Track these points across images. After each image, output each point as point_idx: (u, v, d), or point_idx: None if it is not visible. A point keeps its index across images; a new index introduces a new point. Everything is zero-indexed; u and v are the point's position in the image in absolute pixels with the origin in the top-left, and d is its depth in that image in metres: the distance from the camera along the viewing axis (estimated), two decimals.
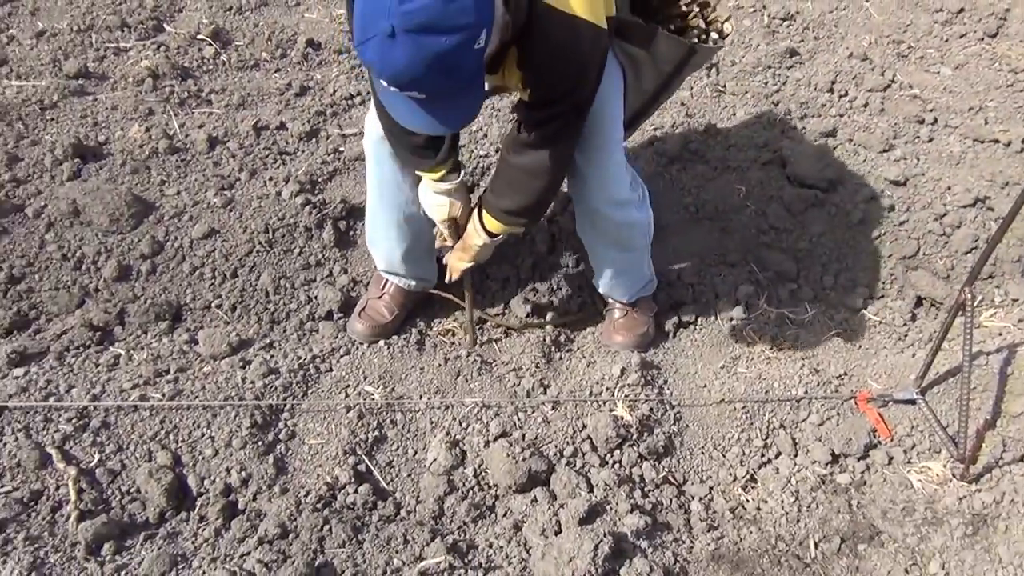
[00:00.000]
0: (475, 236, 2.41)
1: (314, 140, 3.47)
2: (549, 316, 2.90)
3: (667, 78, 2.33)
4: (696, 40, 2.29)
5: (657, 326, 2.87)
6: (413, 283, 2.80)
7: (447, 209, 2.37)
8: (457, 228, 2.45)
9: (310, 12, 4.34)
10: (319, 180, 3.23)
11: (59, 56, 3.76)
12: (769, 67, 4.08)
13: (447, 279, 2.60)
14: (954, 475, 2.38)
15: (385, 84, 1.67)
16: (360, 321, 2.76)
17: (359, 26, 1.61)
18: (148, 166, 3.19)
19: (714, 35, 2.34)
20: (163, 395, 2.39)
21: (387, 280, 2.80)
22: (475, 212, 2.39)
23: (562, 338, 2.82)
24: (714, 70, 4.04)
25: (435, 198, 2.36)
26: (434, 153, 2.24)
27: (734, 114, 3.75)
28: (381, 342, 2.72)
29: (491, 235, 2.38)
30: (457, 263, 2.51)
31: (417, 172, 2.35)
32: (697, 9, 2.33)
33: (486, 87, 2.06)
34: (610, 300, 2.83)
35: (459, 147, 2.44)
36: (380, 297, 2.79)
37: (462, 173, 2.36)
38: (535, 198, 2.28)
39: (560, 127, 2.12)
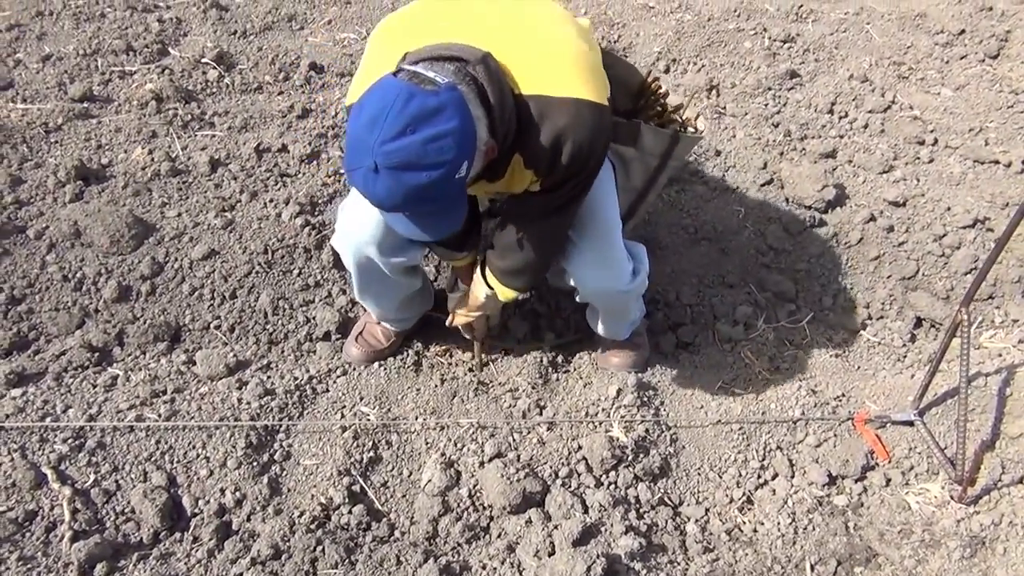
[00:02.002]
0: (479, 288, 2.43)
1: (315, 162, 3.49)
2: (546, 337, 2.90)
3: (654, 171, 2.43)
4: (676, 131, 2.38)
5: (655, 347, 2.87)
6: (408, 324, 2.81)
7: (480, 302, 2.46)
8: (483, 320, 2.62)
9: (313, 36, 4.38)
10: (319, 202, 3.25)
11: (65, 79, 3.80)
12: (769, 89, 4.09)
13: (447, 323, 2.63)
14: (952, 497, 2.36)
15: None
16: (356, 346, 2.77)
17: (348, 156, 1.68)
18: (150, 188, 3.22)
19: (690, 129, 2.44)
20: (159, 415, 2.40)
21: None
22: (479, 267, 2.42)
23: (559, 359, 2.82)
24: (714, 91, 4.06)
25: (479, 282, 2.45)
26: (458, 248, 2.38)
27: (734, 135, 3.76)
28: (377, 363, 2.73)
29: (492, 292, 2.40)
30: (460, 316, 2.56)
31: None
32: (671, 109, 2.45)
33: (493, 193, 2.20)
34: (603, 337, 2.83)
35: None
36: (378, 323, 2.79)
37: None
38: (536, 263, 2.28)
39: (568, 198, 2.12)
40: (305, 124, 3.72)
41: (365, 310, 2.86)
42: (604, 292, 2.46)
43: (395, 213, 1.75)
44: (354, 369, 2.72)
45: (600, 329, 2.72)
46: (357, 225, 2.29)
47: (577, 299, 2.58)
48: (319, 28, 4.47)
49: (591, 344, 2.88)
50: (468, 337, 2.72)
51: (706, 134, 2.36)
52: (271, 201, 3.21)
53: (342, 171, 3.42)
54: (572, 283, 2.45)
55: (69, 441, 2.30)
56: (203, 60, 4.00)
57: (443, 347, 2.85)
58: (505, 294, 2.38)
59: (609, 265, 2.37)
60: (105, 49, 4.02)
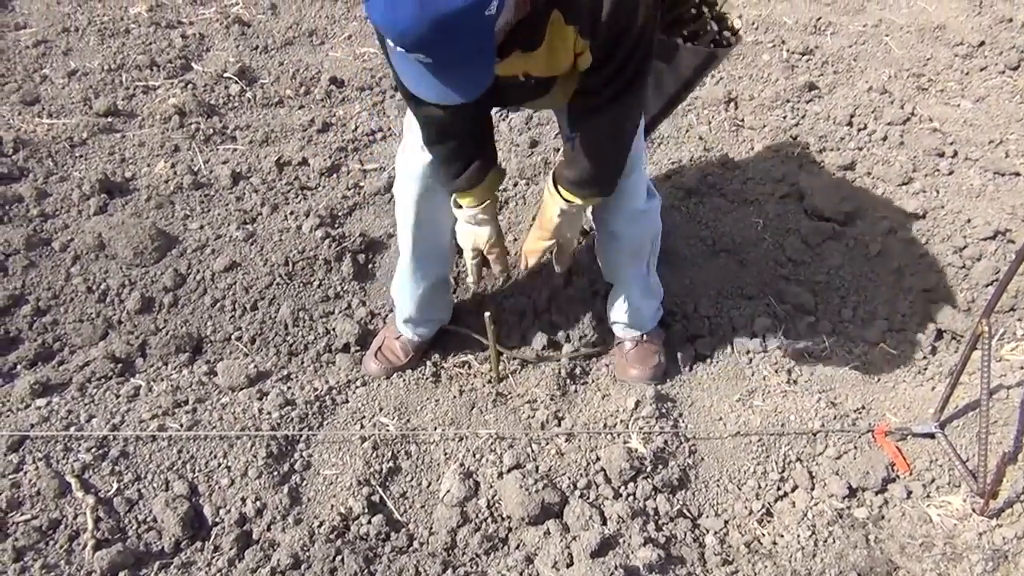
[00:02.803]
0: (551, 206, 2.31)
1: (335, 175, 3.53)
2: (565, 349, 2.91)
3: (686, 82, 2.39)
4: (712, 44, 2.29)
5: (673, 358, 2.87)
6: (426, 331, 2.82)
7: (474, 238, 2.40)
8: (482, 262, 2.49)
9: (334, 51, 4.42)
10: (339, 214, 3.28)
11: (90, 94, 3.86)
12: (788, 101, 4.10)
13: (523, 266, 2.51)
14: (974, 510, 2.34)
15: (392, 44, 1.65)
16: (375, 361, 2.78)
17: None
18: (172, 201, 3.26)
19: (727, 34, 2.33)
20: (181, 425, 2.42)
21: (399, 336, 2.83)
22: (548, 182, 2.32)
23: (577, 370, 2.82)
24: (732, 104, 4.07)
25: (465, 226, 2.40)
26: (463, 168, 2.24)
27: (752, 148, 3.76)
28: (396, 375, 2.74)
29: (567, 204, 2.27)
30: (534, 244, 2.42)
31: (453, 197, 2.36)
32: (706, 10, 2.33)
33: (535, 75, 2.04)
34: (620, 334, 2.84)
35: (497, 177, 2.38)
36: (398, 338, 2.81)
37: (496, 204, 2.40)
38: (607, 167, 2.21)
39: (628, 79, 2.01)
40: (325, 138, 3.75)
41: (384, 324, 2.88)
42: (623, 217, 2.44)
43: (415, 57, 1.64)
44: (373, 380, 2.73)
45: (616, 313, 2.74)
46: (417, 159, 2.37)
47: (598, 251, 2.63)
48: (339, 43, 4.51)
49: (609, 355, 2.89)
50: (559, 269, 2.56)
51: (743, 38, 2.29)
52: (291, 214, 3.24)
53: (362, 184, 3.45)
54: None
55: (92, 450, 2.32)
56: (225, 75, 4.06)
57: (462, 359, 2.86)
58: (585, 201, 2.28)
59: (630, 188, 2.37)
60: (129, 64, 4.08)
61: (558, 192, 2.29)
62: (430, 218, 2.50)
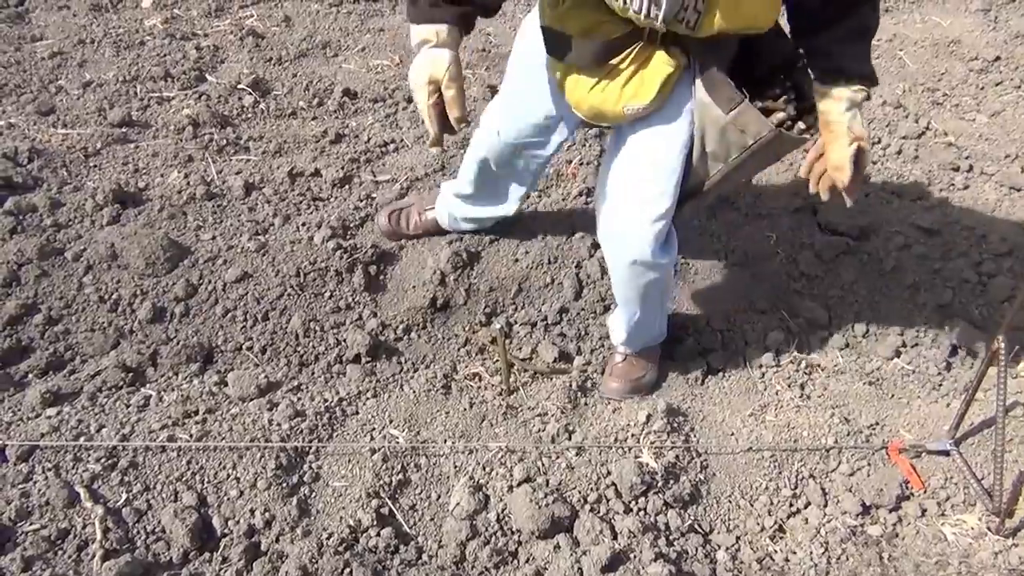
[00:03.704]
0: (835, 108, 2.02)
1: (347, 186, 3.53)
2: (576, 361, 2.90)
3: (741, 151, 2.10)
4: (779, 126, 2.06)
5: (685, 372, 2.85)
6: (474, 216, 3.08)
7: (431, 68, 1.97)
8: (439, 105, 2.02)
9: (347, 63, 4.44)
10: (351, 225, 3.28)
11: (104, 105, 3.88)
12: None
13: (850, 204, 2.17)
14: (989, 529, 2.32)
15: None
16: (390, 223, 3.21)
17: None
18: (185, 211, 3.27)
19: (800, 125, 2.12)
20: (191, 436, 2.42)
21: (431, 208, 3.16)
22: (818, 90, 2.06)
23: (588, 383, 2.80)
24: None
25: (422, 54, 1.99)
26: None
27: None
28: (407, 386, 2.73)
29: (854, 94, 2.01)
30: (839, 156, 2.06)
31: (414, 28, 2.00)
32: (793, 96, 2.13)
33: None
34: (614, 340, 2.82)
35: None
36: (421, 214, 3.15)
37: (462, 36, 2.03)
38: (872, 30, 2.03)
39: None
40: (338, 149, 3.76)
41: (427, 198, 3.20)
42: (633, 263, 2.39)
43: None
44: (384, 392, 2.73)
45: (614, 326, 2.77)
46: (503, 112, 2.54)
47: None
48: (353, 55, 4.53)
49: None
50: (851, 200, 2.15)
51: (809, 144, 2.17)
52: (303, 225, 3.24)
53: (374, 196, 3.46)
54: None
55: (102, 460, 2.32)
56: (239, 86, 4.07)
57: (472, 371, 2.85)
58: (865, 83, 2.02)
59: (647, 232, 2.28)
60: (144, 76, 4.10)
61: (836, 86, 2.02)
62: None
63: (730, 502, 2.45)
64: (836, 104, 2.02)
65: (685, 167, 2.25)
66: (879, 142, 3.88)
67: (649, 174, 2.25)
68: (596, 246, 3.16)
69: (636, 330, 2.70)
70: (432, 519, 2.33)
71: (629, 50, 2.05)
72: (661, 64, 2.06)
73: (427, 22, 1.96)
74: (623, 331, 2.72)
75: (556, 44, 2.14)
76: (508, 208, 2.96)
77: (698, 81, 2.09)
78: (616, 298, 2.67)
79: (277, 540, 2.22)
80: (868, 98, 2.05)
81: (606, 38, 2.04)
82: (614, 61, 2.07)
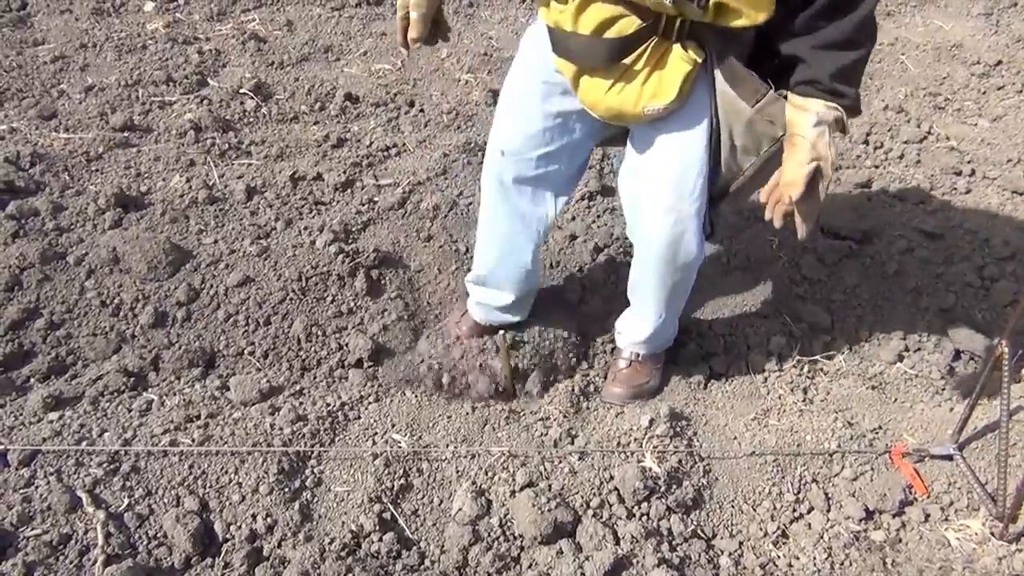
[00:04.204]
0: (801, 119, 1.93)
1: (349, 191, 3.54)
2: (580, 366, 2.89)
3: (772, 142, 2.07)
4: None
5: (686, 377, 2.85)
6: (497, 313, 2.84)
7: None
8: (406, 18, 2.16)
9: (349, 67, 4.44)
10: (353, 230, 3.28)
11: (106, 109, 3.88)
12: None
13: (802, 235, 2.10)
14: (993, 534, 2.31)
15: None
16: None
17: None
18: (187, 215, 3.27)
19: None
20: (193, 440, 2.41)
21: (466, 311, 2.90)
22: (791, 97, 1.98)
23: (591, 388, 2.80)
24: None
25: None
26: None
27: None
28: (408, 391, 2.73)
29: (824, 109, 1.93)
30: (794, 173, 1.98)
31: None
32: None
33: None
34: (620, 344, 2.81)
35: None
36: (460, 320, 2.91)
37: None
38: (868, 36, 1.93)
39: None
40: (340, 153, 3.76)
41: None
42: (667, 264, 2.36)
43: None
44: (386, 396, 2.72)
45: (629, 328, 2.72)
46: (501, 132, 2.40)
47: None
48: (355, 59, 4.53)
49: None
50: (804, 231, 2.07)
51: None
52: (305, 229, 3.24)
53: (376, 200, 3.46)
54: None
55: (104, 465, 2.32)
56: (241, 90, 4.08)
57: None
58: (842, 102, 1.93)
59: (681, 234, 2.26)
60: (146, 80, 4.11)
61: (807, 98, 1.95)
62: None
63: (733, 507, 2.44)
64: (804, 116, 1.94)
65: (713, 163, 2.21)
66: (881, 146, 3.87)
67: (676, 174, 2.21)
68: (598, 250, 3.16)
69: (659, 331, 2.68)
70: (434, 524, 2.33)
71: (644, 47, 2.01)
72: (678, 61, 2.02)
73: None
74: (645, 332, 2.68)
75: (566, 44, 2.11)
76: (527, 273, 2.71)
77: (718, 75, 2.05)
78: (638, 300, 2.65)
79: (279, 545, 2.22)
80: (843, 125, 1.95)
81: (620, 34, 2.00)
82: (628, 60, 2.04)
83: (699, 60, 2.03)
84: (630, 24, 1.99)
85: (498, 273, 2.70)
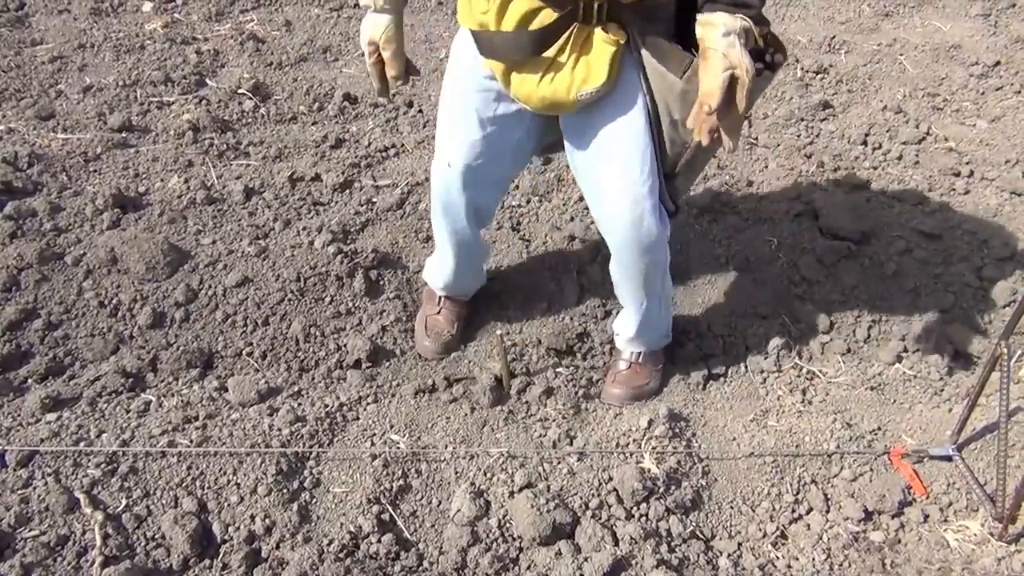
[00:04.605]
0: (711, 32, 1.91)
1: (348, 191, 3.53)
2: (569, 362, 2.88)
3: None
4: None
5: (685, 378, 2.84)
6: (467, 286, 2.94)
7: (371, 29, 2.20)
8: (380, 63, 2.27)
9: (347, 68, 4.44)
10: (351, 230, 3.28)
11: (104, 110, 3.88)
12: (802, 120, 4.09)
13: (729, 148, 2.06)
14: (992, 535, 2.31)
15: None
16: (428, 339, 2.87)
17: None
18: (185, 216, 3.27)
19: (776, 56, 2.07)
20: (191, 441, 2.41)
21: (441, 296, 2.92)
22: (699, 20, 1.95)
23: (590, 389, 2.80)
24: (746, 122, 4.05)
25: (368, 17, 2.21)
26: None
27: (766, 166, 3.75)
28: (407, 392, 2.72)
29: (732, 21, 1.90)
30: (709, 84, 1.94)
31: None
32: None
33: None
34: (620, 346, 2.81)
35: None
36: (439, 313, 2.90)
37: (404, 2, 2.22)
38: None
39: None
40: (338, 154, 3.76)
41: (426, 298, 3.00)
42: (631, 244, 2.36)
43: None
44: (384, 397, 2.72)
45: (626, 329, 2.72)
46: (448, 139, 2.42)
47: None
48: (353, 59, 4.53)
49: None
50: (731, 144, 2.03)
51: (780, 72, 2.08)
52: (304, 229, 3.24)
53: (374, 201, 3.46)
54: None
55: (102, 466, 2.31)
56: (239, 91, 4.07)
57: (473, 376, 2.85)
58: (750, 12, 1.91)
59: (639, 215, 2.27)
60: (144, 80, 4.11)
61: (713, 12, 1.93)
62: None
63: (732, 508, 2.44)
64: (713, 30, 1.92)
65: (658, 139, 2.23)
66: (880, 147, 3.87)
67: (621, 158, 2.23)
68: (597, 251, 3.15)
69: (644, 323, 2.67)
70: (433, 525, 2.33)
71: (567, 34, 2.04)
72: (602, 44, 2.04)
73: None
74: (632, 327, 2.69)
75: (492, 43, 2.13)
76: (478, 238, 2.78)
77: (645, 53, 2.07)
78: (622, 293, 2.65)
79: (278, 546, 2.22)
80: (753, 36, 1.93)
81: (542, 24, 2.03)
82: (551, 52, 2.06)
83: (622, 41, 2.05)
84: (551, 14, 2.02)
85: (458, 268, 2.79)
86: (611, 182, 2.27)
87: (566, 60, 2.08)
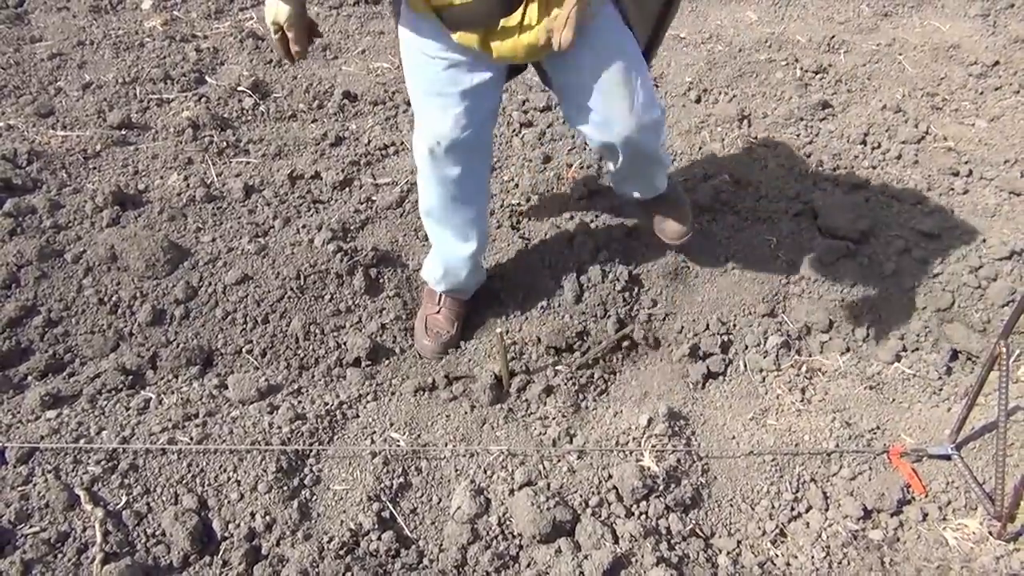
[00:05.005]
0: None
1: (347, 189, 3.53)
2: (569, 359, 2.89)
3: None
4: None
5: (685, 376, 2.85)
6: (467, 286, 2.95)
7: (275, 11, 2.26)
8: (285, 37, 2.33)
9: (347, 65, 4.44)
10: (351, 228, 3.28)
11: (104, 107, 3.88)
12: (801, 119, 4.09)
13: (558, 44, 2.19)
14: (991, 533, 2.31)
15: None
16: (427, 338, 2.88)
17: None
18: (185, 213, 3.26)
19: None
20: (191, 439, 2.41)
21: (441, 294, 2.93)
22: None
23: (590, 387, 2.80)
24: (746, 122, 4.06)
25: (268, 2, 2.27)
26: None
27: (766, 166, 3.75)
28: (407, 390, 2.73)
29: None
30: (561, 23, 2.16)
31: None
32: None
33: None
34: (655, 193, 2.97)
35: None
36: (438, 312, 2.91)
37: None
38: None
39: None
40: (338, 152, 3.76)
41: (426, 297, 3.00)
42: (639, 133, 2.47)
43: None
44: (384, 395, 2.72)
45: (640, 189, 2.90)
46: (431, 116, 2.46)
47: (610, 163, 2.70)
48: (353, 57, 4.53)
49: (618, 364, 2.87)
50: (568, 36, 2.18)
51: None
52: (304, 227, 3.24)
53: (374, 198, 3.46)
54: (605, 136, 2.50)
55: (102, 463, 2.31)
56: (239, 88, 4.07)
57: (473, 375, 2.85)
58: None
59: (642, 99, 2.41)
60: (144, 78, 4.10)
61: None
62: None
63: (731, 506, 2.44)
64: None
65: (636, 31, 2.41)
66: (879, 147, 3.88)
67: (625, 76, 2.35)
68: (597, 250, 3.15)
69: (658, 174, 2.87)
70: (433, 523, 2.33)
71: None
72: None
73: None
74: (664, 180, 2.92)
75: (461, 18, 2.21)
76: (483, 212, 2.84)
77: None
78: (637, 187, 2.89)
79: (278, 544, 2.22)
80: None
81: None
82: (520, 7, 2.15)
83: None
84: None
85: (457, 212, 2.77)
86: (623, 102, 2.38)
87: (538, 9, 2.15)
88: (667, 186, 2.96)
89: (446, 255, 2.82)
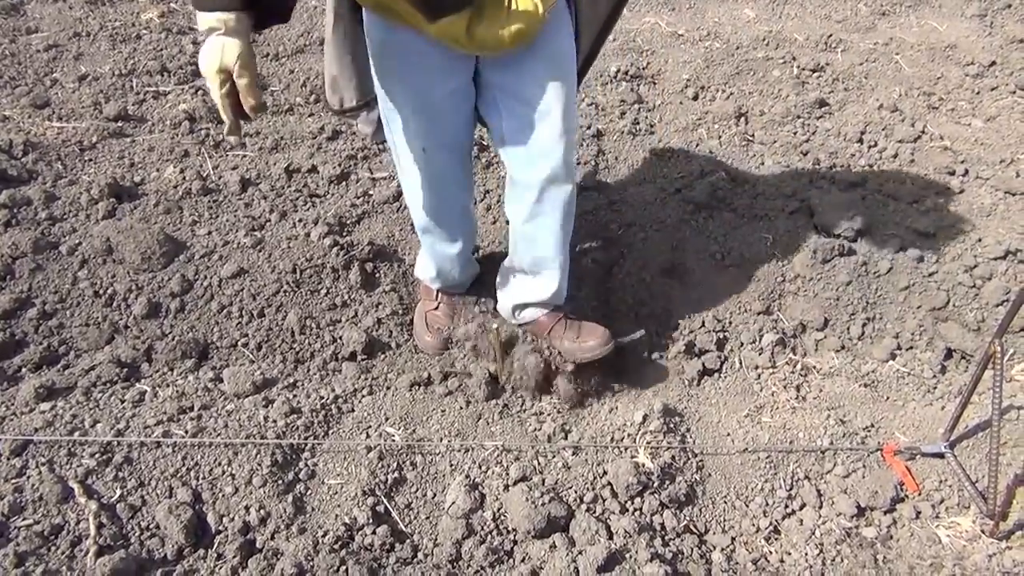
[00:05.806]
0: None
1: (344, 183, 3.53)
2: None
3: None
4: None
5: (680, 373, 2.85)
6: (463, 278, 2.94)
7: (221, 54, 1.86)
8: (232, 93, 1.92)
9: None
10: (348, 222, 3.28)
11: (100, 99, 3.86)
12: (798, 117, 4.09)
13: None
14: (984, 531, 2.32)
15: None
16: (429, 334, 2.87)
17: None
18: (181, 206, 3.26)
19: None
20: (186, 432, 2.41)
21: (438, 290, 2.94)
22: None
23: (586, 385, 2.80)
24: (743, 119, 4.06)
25: (211, 41, 1.87)
26: None
27: (762, 163, 3.76)
28: (402, 385, 2.73)
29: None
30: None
31: (200, 15, 1.86)
32: None
33: None
34: (555, 311, 2.79)
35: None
36: (437, 308, 2.91)
37: (250, 20, 1.89)
38: None
39: None
40: (335, 145, 3.75)
41: (423, 294, 2.99)
42: (559, 171, 2.41)
43: None
44: (379, 389, 2.72)
45: (556, 283, 2.69)
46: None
47: (521, 221, 2.56)
48: None
49: (612, 366, 2.87)
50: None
51: None
52: (300, 221, 3.23)
53: (371, 193, 3.45)
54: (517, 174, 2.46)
55: (96, 456, 2.31)
56: None
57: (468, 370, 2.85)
58: None
59: (567, 139, 2.36)
60: (140, 70, 4.09)
61: None
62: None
63: (725, 503, 2.45)
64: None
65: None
66: (875, 145, 3.88)
67: (562, 92, 2.30)
68: (585, 252, 3.16)
69: (563, 279, 2.71)
70: (428, 517, 2.33)
71: None
72: None
73: (214, 9, 1.84)
74: (563, 284, 2.71)
75: (438, 5, 2.07)
76: (468, 207, 2.81)
77: None
78: (547, 255, 2.63)
79: (272, 537, 2.21)
80: None
81: None
82: None
83: None
84: None
85: (442, 215, 2.72)
86: (554, 117, 2.32)
87: None
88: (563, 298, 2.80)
89: (436, 255, 2.82)
